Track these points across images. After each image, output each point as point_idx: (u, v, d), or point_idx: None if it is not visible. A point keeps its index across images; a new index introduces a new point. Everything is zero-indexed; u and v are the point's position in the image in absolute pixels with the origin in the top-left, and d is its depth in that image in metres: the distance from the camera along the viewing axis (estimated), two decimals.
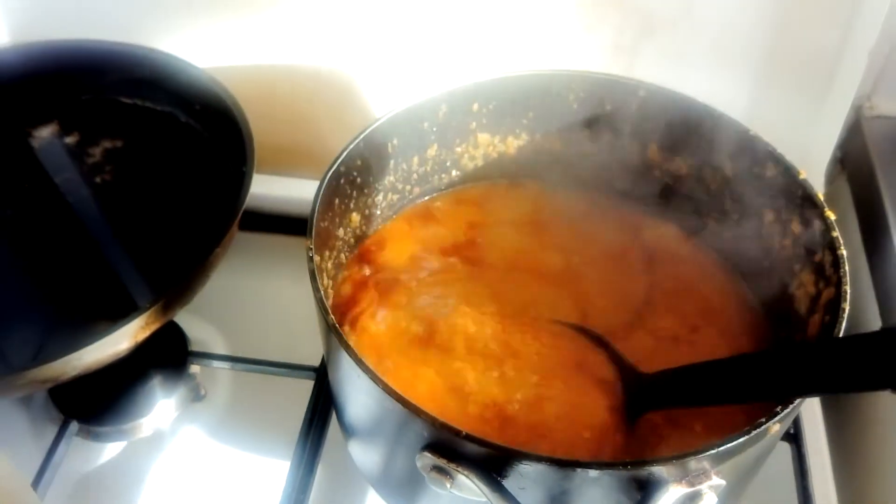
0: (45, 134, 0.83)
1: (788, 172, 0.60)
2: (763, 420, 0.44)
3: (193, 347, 0.75)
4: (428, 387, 0.58)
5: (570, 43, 0.77)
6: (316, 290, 0.52)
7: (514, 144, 0.72)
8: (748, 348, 0.61)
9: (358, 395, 0.51)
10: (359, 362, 0.47)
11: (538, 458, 0.42)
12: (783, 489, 0.65)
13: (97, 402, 0.70)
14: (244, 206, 0.66)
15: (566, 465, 0.42)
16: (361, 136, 0.62)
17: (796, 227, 0.60)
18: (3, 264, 0.72)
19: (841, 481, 0.68)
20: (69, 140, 0.82)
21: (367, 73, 0.83)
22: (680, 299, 0.64)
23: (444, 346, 0.60)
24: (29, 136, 0.82)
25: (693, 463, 0.42)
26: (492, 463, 0.43)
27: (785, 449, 0.67)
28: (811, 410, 0.71)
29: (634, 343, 0.61)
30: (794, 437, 0.68)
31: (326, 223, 0.61)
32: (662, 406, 0.55)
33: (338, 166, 0.60)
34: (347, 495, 0.67)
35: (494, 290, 0.65)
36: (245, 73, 0.84)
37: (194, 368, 0.74)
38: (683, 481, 0.42)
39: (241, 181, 0.68)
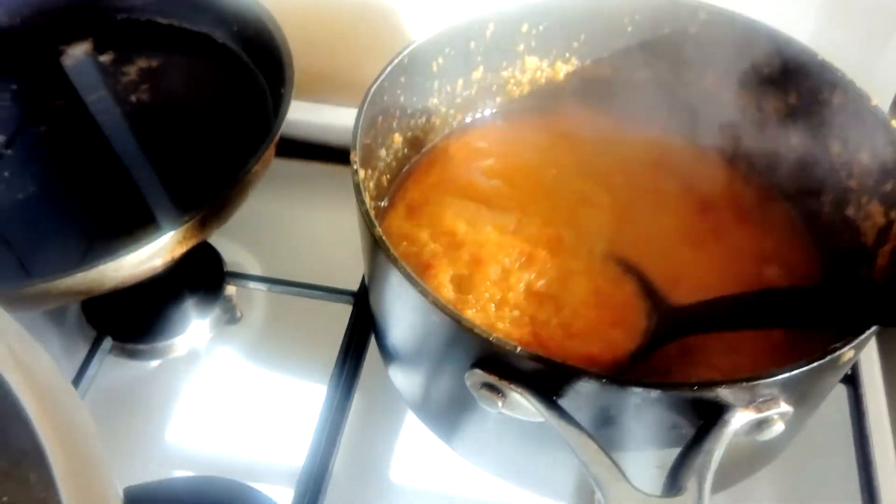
0: (78, 52, 0.81)
1: (858, 100, 0.56)
2: (838, 346, 0.41)
3: (230, 269, 0.74)
4: None
5: None
6: (361, 202, 0.49)
7: (562, 70, 0.69)
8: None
9: (404, 312, 0.49)
10: (407, 275, 0.45)
11: (597, 376, 0.40)
12: (840, 431, 0.63)
13: (132, 320, 0.70)
14: (281, 130, 0.63)
15: (627, 383, 0.40)
16: (406, 52, 0.60)
17: (865, 156, 0.56)
18: (35, 181, 0.71)
19: None
20: (103, 59, 0.80)
21: None
22: (734, 234, 0.62)
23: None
24: (62, 53, 0.81)
25: (762, 388, 0.40)
26: (548, 381, 0.41)
27: (841, 391, 0.65)
28: (868, 353, 0.69)
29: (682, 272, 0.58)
30: (851, 378, 0.65)
31: (369, 140, 0.59)
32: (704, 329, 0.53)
33: (382, 81, 0.58)
34: (385, 421, 0.66)
35: (534, 215, 0.62)
36: None
37: (230, 290, 0.73)
38: (751, 406, 0.40)
39: (278, 104, 0.66)
